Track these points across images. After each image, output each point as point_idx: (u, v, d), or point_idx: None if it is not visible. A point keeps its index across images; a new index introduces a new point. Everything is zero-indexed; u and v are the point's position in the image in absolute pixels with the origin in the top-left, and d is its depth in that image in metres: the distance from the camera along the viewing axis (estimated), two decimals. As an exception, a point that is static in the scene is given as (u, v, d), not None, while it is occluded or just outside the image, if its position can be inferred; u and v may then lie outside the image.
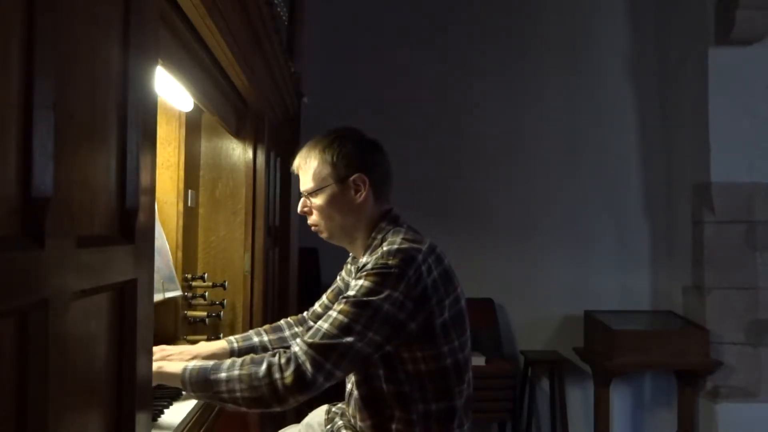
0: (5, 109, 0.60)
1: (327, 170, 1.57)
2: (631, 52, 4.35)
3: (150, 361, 1.02)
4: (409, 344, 1.45)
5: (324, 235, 1.64)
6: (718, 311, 3.73)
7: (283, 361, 1.38)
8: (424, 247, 1.49)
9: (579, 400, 4.23)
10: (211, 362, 1.44)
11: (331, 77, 4.15)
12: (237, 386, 1.38)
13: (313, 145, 1.61)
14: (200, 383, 1.41)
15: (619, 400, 4.19)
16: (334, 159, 1.57)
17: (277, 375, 1.36)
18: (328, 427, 1.69)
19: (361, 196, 1.57)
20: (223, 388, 1.38)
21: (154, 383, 1.48)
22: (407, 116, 4.19)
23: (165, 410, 1.48)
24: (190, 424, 1.45)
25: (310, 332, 1.42)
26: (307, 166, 1.60)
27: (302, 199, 1.62)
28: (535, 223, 4.31)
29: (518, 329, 4.30)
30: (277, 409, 1.41)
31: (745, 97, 3.73)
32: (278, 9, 2.44)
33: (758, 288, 3.71)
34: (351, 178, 1.56)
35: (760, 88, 3.74)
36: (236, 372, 1.39)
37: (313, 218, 1.62)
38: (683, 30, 4.07)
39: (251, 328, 2.24)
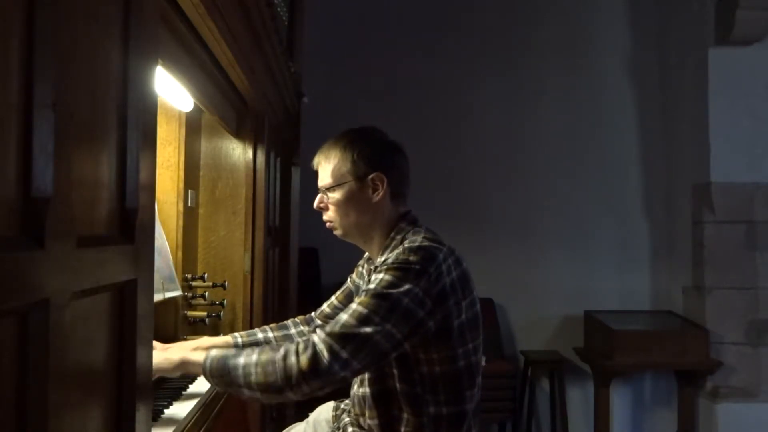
0: (5, 109, 0.60)
1: (347, 167, 1.58)
2: (631, 52, 4.35)
3: (150, 361, 1.02)
4: (425, 344, 1.45)
5: (338, 232, 1.64)
6: (718, 311, 3.73)
7: (300, 346, 1.38)
8: (444, 248, 1.50)
9: (579, 400, 4.23)
10: (233, 350, 1.45)
11: (331, 77, 4.15)
12: (253, 370, 1.38)
13: (335, 142, 1.62)
14: (219, 368, 1.41)
15: (619, 400, 4.19)
16: (355, 157, 1.57)
17: (293, 358, 1.36)
18: (335, 424, 1.69)
19: (378, 196, 1.57)
20: (240, 372, 1.39)
21: (177, 373, 1.50)
22: (407, 116, 4.19)
23: (165, 410, 1.48)
24: (190, 424, 1.45)
25: (330, 323, 1.42)
26: (328, 162, 1.61)
27: (319, 195, 1.63)
28: (535, 223, 4.32)
29: (518, 329, 4.30)
30: (291, 396, 1.39)
31: (745, 97, 3.73)
32: (278, 9, 2.44)
33: (758, 288, 3.71)
34: (369, 177, 1.57)
35: (760, 88, 3.74)
36: (254, 357, 1.39)
37: (328, 214, 1.62)
38: (683, 30, 4.07)
39: (251, 327, 2.24)
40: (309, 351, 1.35)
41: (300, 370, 1.34)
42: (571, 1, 4.38)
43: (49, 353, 0.66)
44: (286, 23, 2.83)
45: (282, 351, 1.38)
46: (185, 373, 1.53)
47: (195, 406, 1.53)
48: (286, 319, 1.90)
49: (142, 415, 0.94)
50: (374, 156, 1.58)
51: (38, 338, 0.65)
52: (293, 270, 3.15)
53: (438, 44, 4.31)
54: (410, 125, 4.21)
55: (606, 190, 4.32)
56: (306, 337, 1.42)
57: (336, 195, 1.59)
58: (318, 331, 1.42)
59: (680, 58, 4.10)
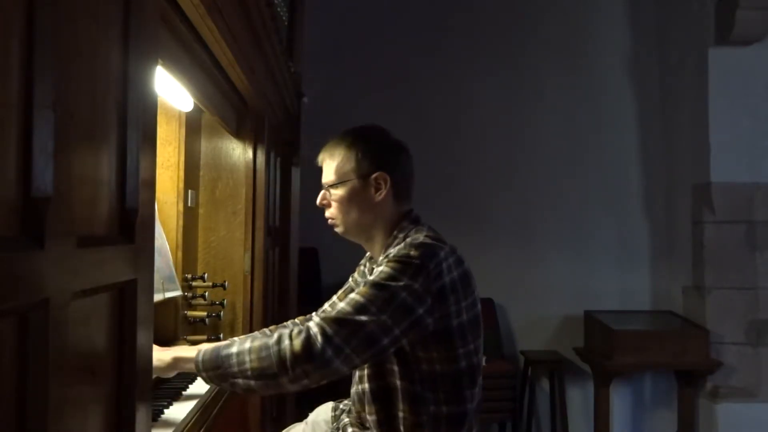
0: (5, 109, 0.60)
1: (350, 165, 1.58)
2: (631, 52, 4.35)
3: (150, 361, 1.02)
4: (424, 342, 1.45)
5: (339, 230, 1.64)
6: (718, 311, 3.73)
7: (294, 331, 1.37)
8: (446, 247, 1.51)
9: (579, 400, 4.23)
10: (226, 341, 1.44)
11: (331, 77, 4.15)
12: (247, 357, 1.36)
13: (340, 139, 1.62)
14: (212, 360, 1.40)
15: (619, 400, 4.20)
16: (359, 155, 1.58)
17: (286, 342, 1.34)
18: (334, 424, 1.69)
19: (380, 195, 1.57)
20: (234, 360, 1.37)
21: (172, 373, 1.48)
22: (407, 116, 4.19)
23: (165, 410, 1.48)
24: (190, 424, 1.45)
25: (327, 310, 1.42)
26: (332, 160, 1.61)
27: (322, 191, 1.63)
28: (535, 223, 4.32)
29: (518, 329, 4.30)
30: (286, 384, 1.36)
31: (745, 97, 3.74)
32: (278, 9, 2.44)
33: (758, 288, 3.71)
34: (373, 176, 1.57)
35: (760, 88, 3.74)
36: (247, 344, 1.38)
37: (331, 211, 1.62)
38: (683, 30, 4.07)
39: (251, 328, 2.24)
40: (303, 335, 1.35)
41: (293, 353, 1.33)
42: (571, 1, 4.38)
43: (49, 353, 0.66)
44: (286, 23, 2.83)
45: (276, 336, 1.37)
46: (181, 371, 1.51)
47: (195, 406, 1.53)
48: (286, 319, 1.90)
49: (141, 415, 0.94)
50: (378, 155, 1.59)
51: (38, 338, 0.65)
52: (293, 270, 3.15)
53: (438, 44, 4.31)
54: (410, 125, 4.20)
55: (606, 190, 4.32)
56: (301, 324, 1.41)
57: (339, 192, 1.59)
58: (314, 316, 1.42)
59: (680, 58, 4.10)
